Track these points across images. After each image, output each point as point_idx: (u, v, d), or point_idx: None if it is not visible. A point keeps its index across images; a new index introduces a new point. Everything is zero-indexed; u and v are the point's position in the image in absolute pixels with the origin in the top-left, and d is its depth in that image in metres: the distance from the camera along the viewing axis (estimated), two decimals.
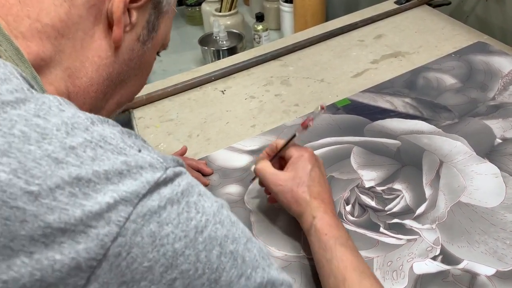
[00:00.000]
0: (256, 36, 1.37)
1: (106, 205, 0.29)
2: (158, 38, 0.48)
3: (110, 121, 0.35)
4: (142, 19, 0.45)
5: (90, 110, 0.44)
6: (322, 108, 0.57)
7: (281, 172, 0.59)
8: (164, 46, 0.52)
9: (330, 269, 0.49)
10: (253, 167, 0.62)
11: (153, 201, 0.31)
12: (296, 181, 0.57)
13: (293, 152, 0.61)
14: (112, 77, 0.45)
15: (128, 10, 0.43)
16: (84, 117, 0.33)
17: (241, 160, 0.75)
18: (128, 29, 0.44)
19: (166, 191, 0.32)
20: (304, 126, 0.59)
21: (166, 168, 0.33)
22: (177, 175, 0.34)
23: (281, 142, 0.62)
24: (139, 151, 0.33)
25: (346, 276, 0.48)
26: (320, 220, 0.53)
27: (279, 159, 0.63)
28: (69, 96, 0.42)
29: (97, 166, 0.30)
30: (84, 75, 0.43)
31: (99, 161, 0.31)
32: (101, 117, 0.34)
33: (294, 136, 0.60)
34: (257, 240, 0.39)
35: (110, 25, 0.43)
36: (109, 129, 0.33)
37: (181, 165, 0.36)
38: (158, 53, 0.52)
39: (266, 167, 0.60)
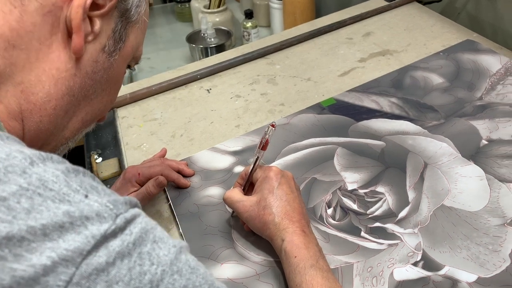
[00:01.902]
0: (245, 33, 1.35)
1: (42, 268, 0.26)
2: (127, 49, 0.45)
3: (55, 157, 0.31)
4: (107, 28, 0.42)
5: (49, 130, 0.41)
6: (273, 126, 0.58)
7: (247, 198, 0.57)
8: (136, 59, 0.49)
9: None
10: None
11: (100, 257, 0.28)
12: (261, 204, 0.55)
13: (258, 174, 0.59)
14: (74, 91, 0.41)
15: (90, 18, 0.40)
16: (21, 157, 0.29)
17: (224, 161, 0.73)
18: (91, 38, 0.41)
19: (115, 244, 0.29)
20: (264, 147, 0.59)
21: (116, 216, 0.30)
22: (129, 221, 0.30)
23: (249, 169, 0.61)
24: (86, 196, 0.29)
25: None
26: (288, 243, 0.51)
27: (251, 186, 0.61)
28: (22, 114, 0.38)
29: (33, 220, 0.26)
30: (40, 90, 0.38)
31: (35, 213, 0.27)
32: (43, 153, 0.30)
33: (257, 159, 0.60)
34: (219, 282, 0.36)
35: (70, 34, 0.39)
36: (51, 170, 0.29)
37: (135, 206, 0.32)
38: (130, 67, 0.49)
39: (232, 195, 0.58)
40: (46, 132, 0.41)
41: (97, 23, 0.40)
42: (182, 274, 0.32)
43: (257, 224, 0.55)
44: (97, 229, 0.28)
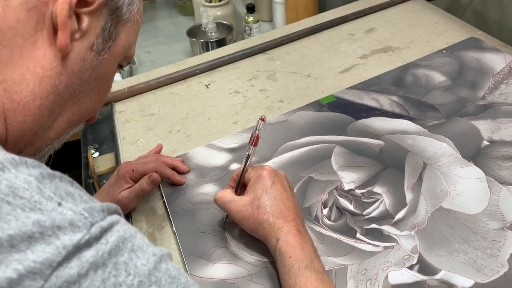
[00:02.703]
0: (246, 28, 1.33)
1: (7, 282, 0.25)
2: (117, 48, 0.44)
3: (30, 161, 0.30)
4: (96, 25, 0.41)
5: (33, 130, 0.39)
6: (262, 120, 0.56)
7: (240, 198, 0.56)
8: (128, 59, 0.48)
9: None
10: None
11: (72, 268, 0.27)
12: (255, 203, 0.54)
13: (250, 174, 0.58)
14: (59, 90, 0.40)
15: (78, 15, 0.39)
16: None
17: (220, 159, 0.72)
18: (78, 36, 0.39)
19: (89, 254, 0.28)
20: (255, 143, 0.57)
21: (91, 225, 0.29)
22: (105, 230, 0.29)
23: (240, 169, 0.60)
24: (59, 204, 0.28)
25: None
26: (284, 243, 0.50)
27: (243, 188, 0.60)
28: (5, 113, 0.37)
29: None
30: (24, 88, 0.37)
31: (2, 223, 0.26)
32: (17, 158, 0.29)
33: (248, 156, 0.58)
34: None
35: (56, 31, 0.38)
36: (24, 176, 0.28)
37: (114, 213, 0.31)
38: (121, 67, 0.48)
39: (223, 195, 0.57)
40: (30, 132, 0.39)
41: (85, 21, 0.39)
42: (160, 285, 0.30)
43: (251, 224, 0.54)
44: (69, 239, 0.27)
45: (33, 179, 0.29)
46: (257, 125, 0.57)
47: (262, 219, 0.53)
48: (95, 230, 0.29)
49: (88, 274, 0.27)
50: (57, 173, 0.31)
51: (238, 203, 0.55)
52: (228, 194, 0.57)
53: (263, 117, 0.56)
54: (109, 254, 0.29)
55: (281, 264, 0.50)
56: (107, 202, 0.32)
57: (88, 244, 0.28)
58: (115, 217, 0.31)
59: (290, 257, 0.49)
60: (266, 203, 0.54)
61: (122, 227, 0.31)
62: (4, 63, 0.36)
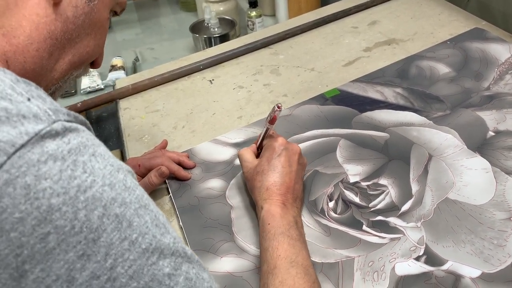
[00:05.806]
0: (249, 23, 1.33)
1: None
2: None
3: (8, 71, 0.34)
4: None
5: (35, 70, 0.44)
6: (279, 108, 0.59)
7: (253, 159, 0.61)
8: (121, 5, 0.51)
9: (265, 257, 0.49)
10: None
11: (33, 154, 0.30)
12: (257, 169, 0.58)
13: (267, 142, 0.62)
14: (56, 35, 0.44)
15: None
16: None
17: (225, 153, 0.73)
18: None
19: (50, 146, 0.31)
20: (273, 122, 0.60)
21: (54, 122, 0.31)
22: (69, 130, 0.32)
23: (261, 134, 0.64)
24: (28, 99, 0.32)
25: (276, 264, 0.47)
26: (266, 212, 0.53)
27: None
28: (6, 55, 0.41)
29: None
30: (21, 33, 0.42)
31: None
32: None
33: (267, 129, 0.62)
34: (157, 209, 0.36)
35: None
36: (0, 77, 0.32)
37: (82, 124, 0.34)
38: (117, 13, 0.52)
39: (243, 153, 0.62)
40: (32, 72, 0.44)
41: None
42: (113, 188, 0.33)
43: (249, 186, 0.60)
44: (32, 127, 0.30)
45: (8, 80, 0.33)
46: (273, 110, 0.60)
47: (256, 185, 0.57)
48: (57, 126, 0.32)
49: (47, 162, 0.30)
50: (33, 84, 0.34)
51: (248, 165, 0.61)
52: (247, 153, 0.62)
53: (278, 104, 0.60)
54: (69, 152, 0.31)
55: (261, 230, 0.53)
56: (76, 113, 0.35)
57: (51, 136, 0.31)
58: (82, 127, 0.34)
59: (269, 223, 0.52)
60: (265, 172, 0.57)
61: (87, 136, 0.34)
62: (1, 12, 0.41)
